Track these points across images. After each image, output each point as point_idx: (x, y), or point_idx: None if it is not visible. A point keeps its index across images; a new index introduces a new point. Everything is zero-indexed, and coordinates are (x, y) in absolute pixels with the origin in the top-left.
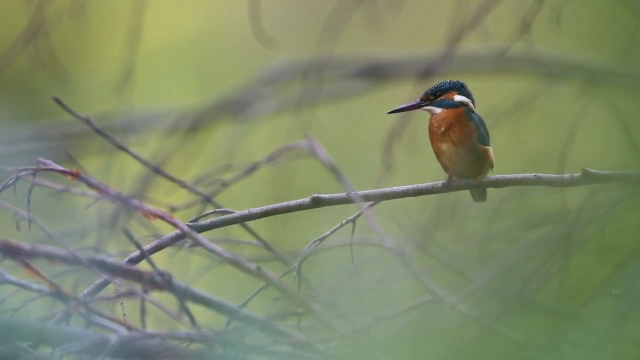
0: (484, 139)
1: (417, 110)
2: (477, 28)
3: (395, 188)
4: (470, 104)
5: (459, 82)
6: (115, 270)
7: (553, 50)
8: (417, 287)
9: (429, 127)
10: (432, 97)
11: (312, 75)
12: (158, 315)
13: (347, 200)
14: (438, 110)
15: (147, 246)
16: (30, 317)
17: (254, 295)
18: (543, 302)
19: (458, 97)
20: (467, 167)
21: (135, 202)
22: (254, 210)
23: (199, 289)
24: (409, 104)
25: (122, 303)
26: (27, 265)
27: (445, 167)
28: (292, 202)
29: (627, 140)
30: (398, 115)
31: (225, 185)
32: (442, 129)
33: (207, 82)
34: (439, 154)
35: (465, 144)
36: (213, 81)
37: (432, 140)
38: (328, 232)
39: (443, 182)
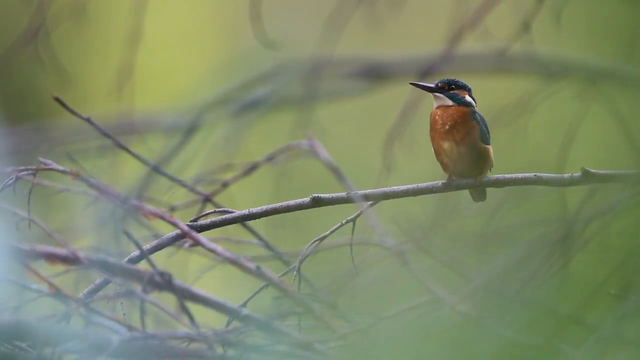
0: (486, 138)
1: (429, 95)
2: (477, 28)
3: (395, 188)
4: (475, 108)
5: (468, 85)
6: (115, 270)
7: (553, 50)
8: (417, 287)
9: (431, 124)
10: (447, 87)
11: (312, 75)
12: (158, 315)
13: (347, 200)
14: (449, 101)
15: (147, 246)
16: (30, 317)
17: (254, 295)
18: (543, 302)
19: (468, 98)
20: (467, 165)
21: (135, 201)
22: (254, 210)
23: (199, 288)
24: (426, 84)
25: (122, 303)
26: (26, 266)
27: (445, 166)
28: (292, 202)
29: (627, 140)
30: (398, 116)
31: (225, 185)
32: (447, 127)
33: (208, 81)
34: (439, 152)
35: (467, 142)
36: (214, 80)
37: (433, 138)
38: (328, 232)
39: (443, 181)
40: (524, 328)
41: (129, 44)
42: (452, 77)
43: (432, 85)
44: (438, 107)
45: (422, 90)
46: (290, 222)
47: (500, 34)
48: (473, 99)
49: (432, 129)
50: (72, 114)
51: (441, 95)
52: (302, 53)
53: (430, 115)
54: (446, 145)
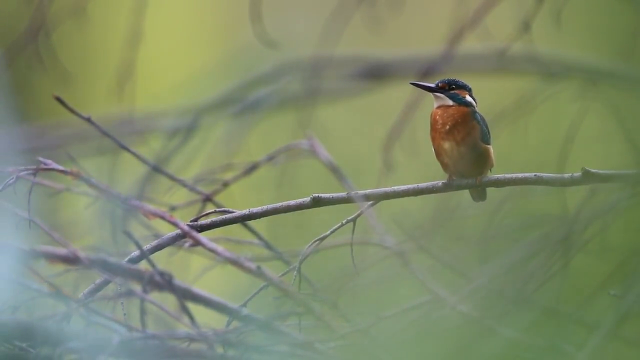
0: (486, 138)
1: (429, 95)
2: (477, 28)
3: (395, 188)
4: (476, 108)
5: (469, 85)
6: (115, 270)
7: (553, 50)
8: (417, 287)
9: (431, 124)
10: (447, 87)
11: (312, 74)
12: (158, 315)
13: (347, 200)
14: (450, 101)
15: (147, 246)
16: (30, 317)
17: (254, 295)
18: (543, 302)
19: (469, 98)
20: (468, 165)
21: (136, 201)
22: (254, 209)
23: (199, 288)
24: (427, 84)
25: (122, 303)
26: (27, 266)
27: (445, 166)
28: (293, 202)
29: (627, 140)
30: (398, 116)
31: (225, 184)
32: (447, 127)
33: (208, 82)
34: (439, 152)
35: (467, 142)
36: (214, 80)
37: (433, 138)
38: (328, 232)
39: (443, 181)
40: (524, 328)
41: (129, 43)
42: (452, 77)
43: (432, 85)
44: (438, 107)
45: (422, 90)
46: (290, 222)
47: (500, 34)
48: (473, 98)
49: (433, 129)
50: (73, 114)
51: (441, 95)
52: (302, 53)
53: (431, 115)
54: (447, 145)
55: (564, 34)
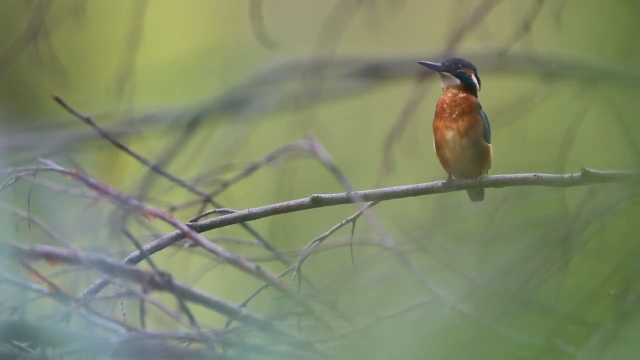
0: (487, 135)
1: (436, 75)
2: (477, 28)
3: (395, 188)
4: (479, 89)
5: (473, 65)
6: (115, 270)
7: (553, 50)
8: (417, 287)
9: (437, 112)
10: (454, 66)
11: (312, 74)
12: (158, 315)
13: (347, 200)
14: (457, 80)
15: (146, 246)
16: (30, 317)
17: (254, 295)
18: (543, 302)
19: (474, 78)
20: (468, 162)
21: (135, 202)
22: (254, 210)
23: (198, 289)
24: (434, 63)
25: (122, 303)
26: (26, 266)
27: (445, 161)
28: (292, 202)
29: (626, 140)
30: (398, 115)
31: (225, 185)
32: (454, 115)
33: (207, 82)
34: (441, 144)
35: (471, 135)
36: (213, 80)
37: (437, 128)
38: (328, 232)
39: (443, 181)
40: (524, 328)
41: (128, 44)
42: (456, 57)
43: (439, 64)
44: (446, 90)
45: (422, 90)
46: (290, 222)
47: (500, 34)
48: (478, 79)
49: (438, 116)
50: (72, 114)
51: (448, 74)
52: (302, 53)
53: (437, 103)
54: (450, 135)
55: (563, 34)
